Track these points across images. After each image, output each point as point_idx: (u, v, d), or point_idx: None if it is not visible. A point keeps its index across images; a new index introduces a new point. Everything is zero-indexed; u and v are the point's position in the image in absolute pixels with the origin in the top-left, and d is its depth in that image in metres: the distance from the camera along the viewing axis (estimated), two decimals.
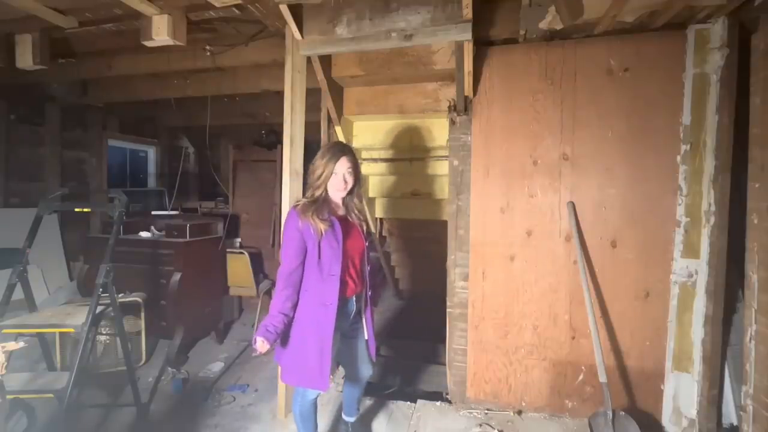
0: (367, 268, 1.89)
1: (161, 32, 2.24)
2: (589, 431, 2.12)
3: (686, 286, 2.20)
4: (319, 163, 1.76)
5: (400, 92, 2.83)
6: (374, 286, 2.12)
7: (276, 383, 2.53)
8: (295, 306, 1.72)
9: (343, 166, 1.75)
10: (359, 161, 3.23)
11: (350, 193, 1.83)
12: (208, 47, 2.85)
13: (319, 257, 1.70)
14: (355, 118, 3.06)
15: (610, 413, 2.09)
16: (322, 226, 1.68)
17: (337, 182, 1.76)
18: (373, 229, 3.77)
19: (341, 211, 1.85)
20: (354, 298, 1.84)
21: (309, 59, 2.45)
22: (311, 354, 1.70)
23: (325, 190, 1.77)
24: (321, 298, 1.70)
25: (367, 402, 2.57)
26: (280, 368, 1.84)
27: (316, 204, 1.73)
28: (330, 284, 1.70)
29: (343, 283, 1.75)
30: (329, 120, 2.94)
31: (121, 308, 2.42)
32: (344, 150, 1.79)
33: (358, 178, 1.83)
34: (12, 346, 1.52)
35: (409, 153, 3.16)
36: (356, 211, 1.86)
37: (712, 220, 2.14)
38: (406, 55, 2.55)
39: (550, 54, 2.34)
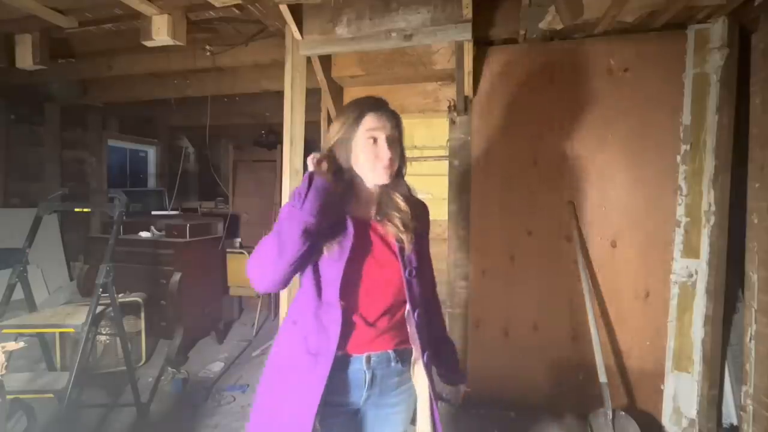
0: (415, 314, 1.06)
1: (161, 32, 2.24)
2: (589, 431, 2.12)
3: (686, 286, 2.20)
4: (334, 127, 1.08)
5: (400, 92, 2.83)
6: (442, 346, 1.25)
7: None
8: None
9: (378, 123, 1.04)
10: None
11: (393, 184, 1.09)
12: (208, 47, 2.84)
13: (316, 272, 1.04)
14: None
15: (610, 413, 2.09)
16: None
17: (370, 150, 1.03)
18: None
19: (371, 211, 1.09)
20: (370, 359, 1.05)
21: (309, 59, 2.45)
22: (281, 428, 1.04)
23: (351, 171, 1.06)
24: (310, 341, 1.02)
25: None
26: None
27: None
28: (330, 315, 1.01)
29: (347, 328, 1.02)
30: (329, 120, 2.94)
31: (121, 308, 2.43)
32: (376, 101, 1.09)
33: (403, 153, 1.12)
34: (12, 346, 1.52)
35: (409, 153, 3.15)
36: (399, 215, 1.06)
37: (712, 220, 2.14)
38: (406, 55, 2.55)
39: (550, 54, 2.34)
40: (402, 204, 1.08)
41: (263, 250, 0.98)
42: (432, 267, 1.23)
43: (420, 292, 1.09)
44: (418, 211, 1.12)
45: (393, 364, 1.07)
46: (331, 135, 1.08)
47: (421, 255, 1.10)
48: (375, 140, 1.03)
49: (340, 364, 1.01)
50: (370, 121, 1.03)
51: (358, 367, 1.04)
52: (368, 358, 1.04)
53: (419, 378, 1.10)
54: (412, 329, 1.07)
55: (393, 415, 1.11)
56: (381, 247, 1.06)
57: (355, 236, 1.01)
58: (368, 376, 1.04)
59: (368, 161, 1.04)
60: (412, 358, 1.10)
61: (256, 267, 1.00)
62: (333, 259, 1.00)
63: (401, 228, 1.05)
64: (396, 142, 1.07)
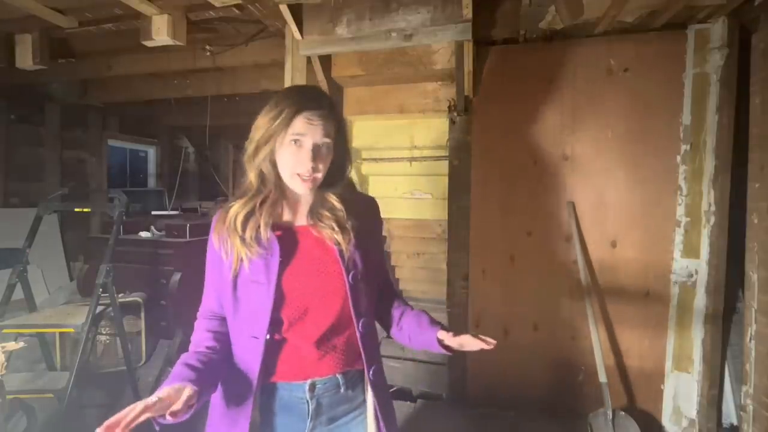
0: (360, 324, 0.95)
1: (161, 32, 2.24)
2: (589, 431, 2.12)
3: (686, 286, 2.20)
4: (262, 121, 0.93)
5: (400, 92, 2.83)
6: (417, 317, 1.09)
7: None
8: (219, 339, 0.95)
9: (306, 129, 0.90)
10: (356, 155, 3.21)
11: (330, 184, 0.98)
12: (208, 47, 2.84)
13: (236, 303, 0.93)
14: (355, 118, 3.05)
15: (610, 413, 2.09)
16: (241, 248, 0.90)
17: (292, 154, 0.91)
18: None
19: (299, 215, 0.99)
20: (315, 387, 0.93)
21: (309, 59, 2.45)
22: None
23: (276, 176, 0.95)
24: (233, 379, 0.92)
25: None
26: None
27: (252, 205, 0.95)
28: (249, 353, 0.91)
29: (284, 353, 0.92)
30: None
31: (121, 308, 2.42)
32: (313, 99, 0.94)
33: (345, 155, 1.00)
34: (12, 346, 1.52)
35: (409, 153, 3.16)
36: (332, 215, 0.96)
37: (712, 220, 2.14)
38: (406, 55, 2.55)
39: (550, 54, 2.34)
40: (336, 203, 0.96)
41: None
42: (385, 269, 1.12)
43: (366, 300, 0.98)
44: (362, 208, 1.02)
45: (342, 390, 0.94)
46: (256, 131, 0.94)
47: (367, 257, 0.98)
48: (299, 144, 0.91)
49: (271, 395, 0.92)
50: (298, 125, 0.90)
51: (299, 395, 0.92)
52: (312, 386, 0.92)
53: (368, 397, 0.98)
54: (360, 344, 0.96)
55: None
56: (318, 253, 0.94)
57: (283, 251, 0.91)
58: (312, 406, 0.92)
59: (287, 167, 0.92)
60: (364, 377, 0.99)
61: None
62: (258, 282, 0.90)
63: (336, 228, 0.93)
64: (325, 149, 0.93)
